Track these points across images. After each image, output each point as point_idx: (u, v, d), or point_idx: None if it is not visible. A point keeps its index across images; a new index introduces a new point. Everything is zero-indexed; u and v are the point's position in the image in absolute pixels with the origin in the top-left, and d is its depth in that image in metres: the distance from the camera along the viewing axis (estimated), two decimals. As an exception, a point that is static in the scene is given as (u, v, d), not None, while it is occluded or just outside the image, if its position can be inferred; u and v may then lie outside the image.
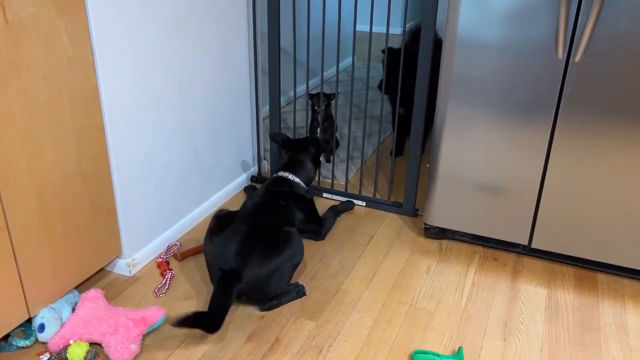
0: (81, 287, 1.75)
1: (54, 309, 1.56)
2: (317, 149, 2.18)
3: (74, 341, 1.49)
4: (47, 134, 1.45)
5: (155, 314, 1.57)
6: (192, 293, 1.77)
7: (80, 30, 1.48)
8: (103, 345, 1.48)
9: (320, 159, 2.26)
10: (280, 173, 2.07)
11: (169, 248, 1.97)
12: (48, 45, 1.40)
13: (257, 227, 1.70)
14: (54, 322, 1.53)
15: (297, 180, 2.06)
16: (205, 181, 2.19)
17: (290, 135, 2.24)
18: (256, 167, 2.56)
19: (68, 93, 1.48)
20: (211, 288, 1.78)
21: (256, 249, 1.63)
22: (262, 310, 1.69)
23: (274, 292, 1.68)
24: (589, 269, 1.93)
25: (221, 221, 1.75)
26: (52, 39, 1.40)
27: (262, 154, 2.54)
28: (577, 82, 1.66)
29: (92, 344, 1.51)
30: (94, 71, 1.55)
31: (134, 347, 1.47)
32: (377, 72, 4.48)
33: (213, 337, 1.58)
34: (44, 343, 1.52)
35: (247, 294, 1.65)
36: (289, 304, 1.72)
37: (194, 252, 1.96)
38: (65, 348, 1.48)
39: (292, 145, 2.16)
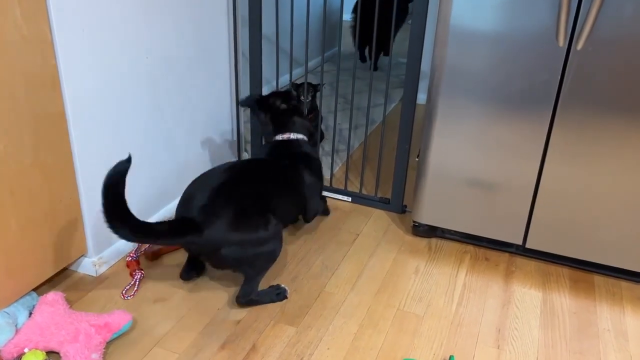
0: (42, 288, 1.62)
1: (8, 314, 1.42)
2: (291, 99, 1.94)
3: (29, 349, 1.36)
4: (-1, 121, 1.30)
5: (120, 319, 1.44)
6: (163, 295, 1.64)
7: (37, 5, 1.33)
8: (61, 354, 1.35)
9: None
10: (280, 137, 1.85)
11: (139, 246, 1.83)
12: (-2, 21, 1.25)
13: (246, 188, 1.56)
14: (8, 328, 1.39)
15: (301, 136, 1.85)
16: (180, 174, 2.05)
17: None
18: (236, 160, 2.43)
19: (23, 76, 1.34)
20: (185, 290, 1.66)
21: (231, 210, 1.48)
22: (237, 302, 1.58)
23: (241, 270, 1.56)
24: (585, 271, 1.83)
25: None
26: (2, 15, 1.25)
27: (242, 146, 2.42)
28: (578, 72, 1.55)
29: (49, 352, 1.38)
30: (52, 52, 1.40)
31: (95, 357, 1.34)
32: (365, 64, 4.37)
33: (184, 343, 1.45)
34: (-3, 351, 1.39)
35: (205, 255, 1.55)
36: (267, 307, 1.60)
37: (166, 250, 1.82)
38: (20, 357, 1.35)
39: (269, 104, 1.91)
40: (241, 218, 1.48)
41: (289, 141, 1.85)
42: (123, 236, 1.38)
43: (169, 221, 1.48)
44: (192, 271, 1.71)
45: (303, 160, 1.80)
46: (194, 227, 1.44)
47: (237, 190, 1.53)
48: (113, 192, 1.33)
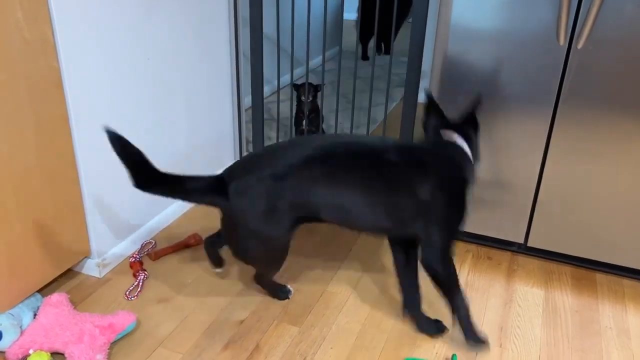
0: (46, 289, 1.62)
1: (12, 315, 1.43)
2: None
3: (34, 351, 1.36)
4: (1, 124, 1.31)
5: (124, 319, 1.45)
6: (167, 295, 1.64)
7: (39, 7, 1.33)
8: (66, 355, 1.36)
9: None
10: (447, 135, 1.42)
11: (142, 247, 1.84)
12: None
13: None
14: (13, 329, 1.39)
15: (468, 151, 1.40)
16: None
17: (273, 127, 2.11)
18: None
19: (25, 78, 1.34)
20: (188, 290, 1.66)
21: (262, 205, 1.34)
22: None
23: (244, 259, 1.50)
24: (587, 269, 1.83)
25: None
26: (4, 17, 1.26)
27: (244, 147, 2.42)
28: (579, 71, 1.56)
29: (54, 353, 1.38)
30: (55, 54, 1.40)
31: (100, 358, 1.35)
32: (366, 62, 4.37)
33: (188, 343, 1.46)
34: (2, 352, 1.39)
35: (227, 226, 1.45)
36: (270, 307, 1.60)
37: (169, 251, 1.83)
38: (24, 358, 1.36)
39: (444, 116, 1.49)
40: (267, 215, 1.36)
41: (445, 146, 1.43)
42: (143, 186, 1.37)
43: (208, 177, 1.41)
44: (217, 242, 1.64)
45: (434, 171, 1.37)
46: (225, 194, 1.36)
47: (287, 186, 1.34)
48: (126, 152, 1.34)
